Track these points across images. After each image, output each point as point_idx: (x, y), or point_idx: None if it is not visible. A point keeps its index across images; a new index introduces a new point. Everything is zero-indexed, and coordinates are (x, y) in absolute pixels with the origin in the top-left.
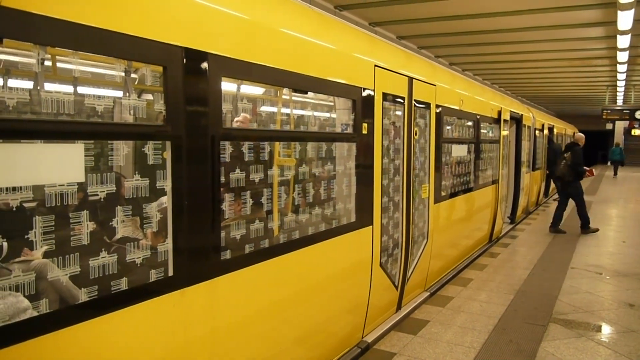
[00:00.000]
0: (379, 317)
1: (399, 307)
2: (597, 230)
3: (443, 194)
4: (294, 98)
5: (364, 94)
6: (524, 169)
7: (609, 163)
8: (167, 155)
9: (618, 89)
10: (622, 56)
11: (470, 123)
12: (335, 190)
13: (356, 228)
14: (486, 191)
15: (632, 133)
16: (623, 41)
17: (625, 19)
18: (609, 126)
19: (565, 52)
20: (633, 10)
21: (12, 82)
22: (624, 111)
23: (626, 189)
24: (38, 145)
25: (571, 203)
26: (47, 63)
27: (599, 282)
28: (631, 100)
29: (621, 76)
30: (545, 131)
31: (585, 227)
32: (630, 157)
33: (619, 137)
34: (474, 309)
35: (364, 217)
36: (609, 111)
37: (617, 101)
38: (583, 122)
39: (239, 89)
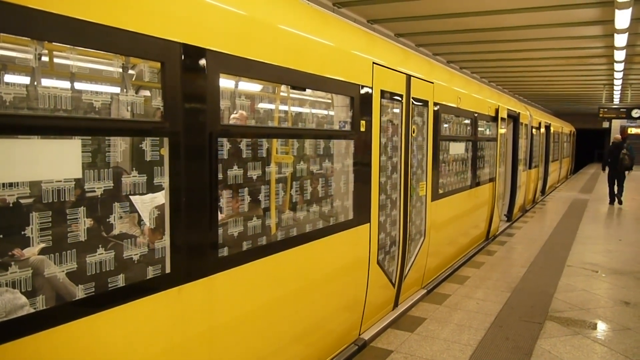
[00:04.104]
0: (376, 315)
1: (395, 305)
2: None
3: (440, 191)
4: (292, 95)
5: (362, 91)
6: (521, 167)
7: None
8: (165, 151)
9: (615, 87)
10: (619, 55)
11: (467, 121)
12: (333, 188)
13: (354, 225)
14: (483, 189)
15: (628, 131)
16: (620, 40)
17: (622, 18)
18: (605, 125)
19: (563, 50)
20: (630, 9)
21: (9, 78)
22: (621, 110)
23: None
24: (35, 141)
25: None
26: (44, 58)
27: (595, 280)
28: (627, 99)
29: (618, 75)
30: (542, 129)
31: (620, 199)
32: None
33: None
34: (470, 307)
35: (361, 214)
36: (605, 110)
37: (614, 100)
38: (580, 121)
39: (237, 85)
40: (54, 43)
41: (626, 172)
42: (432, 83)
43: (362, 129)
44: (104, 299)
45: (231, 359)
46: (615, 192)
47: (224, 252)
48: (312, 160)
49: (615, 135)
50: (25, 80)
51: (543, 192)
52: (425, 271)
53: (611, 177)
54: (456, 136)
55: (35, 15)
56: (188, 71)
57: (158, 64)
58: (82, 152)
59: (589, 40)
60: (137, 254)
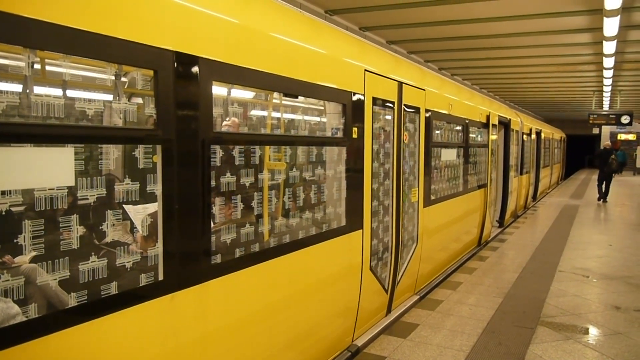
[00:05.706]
0: (369, 321)
1: (388, 311)
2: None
3: (432, 197)
4: (284, 102)
5: (354, 98)
6: (512, 173)
7: None
8: (158, 159)
9: (604, 94)
10: (608, 62)
11: (459, 127)
12: (326, 194)
13: (346, 232)
14: (475, 195)
15: (618, 137)
16: (609, 47)
17: (611, 26)
18: (595, 131)
19: (553, 57)
20: (619, 17)
21: (1, 86)
22: (610, 116)
23: (613, 193)
24: (28, 149)
25: None
26: (37, 66)
27: (586, 285)
28: (617, 105)
29: (607, 82)
30: (533, 136)
31: (606, 198)
32: None
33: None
34: (463, 312)
35: (354, 221)
36: (595, 116)
37: (604, 106)
38: (570, 127)
39: (229, 92)
40: (47, 51)
41: (613, 175)
42: (424, 90)
43: (355, 135)
44: (96, 307)
45: None
46: (603, 190)
47: (217, 259)
48: (304, 167)
49: (605, 142)
50: (18, 88)
51: (534, 197)
52: (418, 277)
53: (600, 178)
54: (448, 143)
55: (29, 24)
56: (181, 79)
57: (151, 72)
58: (75, 159)
59: (579, 48)
60: (129, 262)
